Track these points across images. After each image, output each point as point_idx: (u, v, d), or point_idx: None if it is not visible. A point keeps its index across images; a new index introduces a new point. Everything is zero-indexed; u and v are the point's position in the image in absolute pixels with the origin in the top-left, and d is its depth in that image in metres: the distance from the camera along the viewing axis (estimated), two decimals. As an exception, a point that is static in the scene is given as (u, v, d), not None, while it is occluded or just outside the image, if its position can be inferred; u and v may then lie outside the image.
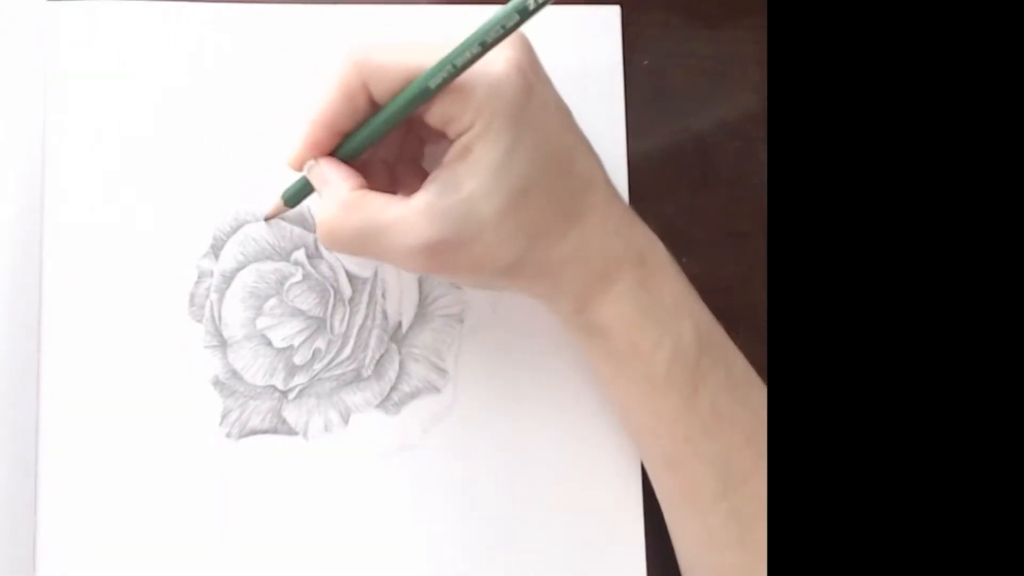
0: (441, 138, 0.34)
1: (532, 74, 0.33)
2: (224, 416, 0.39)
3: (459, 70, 0.31)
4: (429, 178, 0.33)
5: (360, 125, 0.34)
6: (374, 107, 0.33)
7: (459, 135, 0.33)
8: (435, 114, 0.33)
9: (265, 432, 0.39)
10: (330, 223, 0.33)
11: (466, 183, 0.32)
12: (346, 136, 0.34)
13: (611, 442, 0.40)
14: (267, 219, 0.40)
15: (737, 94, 0.43)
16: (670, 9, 0.43)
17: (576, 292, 0.34)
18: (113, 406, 0.38)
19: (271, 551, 0.38)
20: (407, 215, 0.32)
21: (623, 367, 0.35)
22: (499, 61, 0.32)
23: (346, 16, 0.41)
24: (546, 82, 0.34)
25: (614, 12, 0.42)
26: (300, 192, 0.37)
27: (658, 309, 0.34)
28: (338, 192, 0.34)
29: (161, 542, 0.38)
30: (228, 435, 0.39)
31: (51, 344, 0.39)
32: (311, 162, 0.35)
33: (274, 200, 0.38)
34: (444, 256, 0.33)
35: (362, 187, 0.34)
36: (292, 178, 0.37)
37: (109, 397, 0.38)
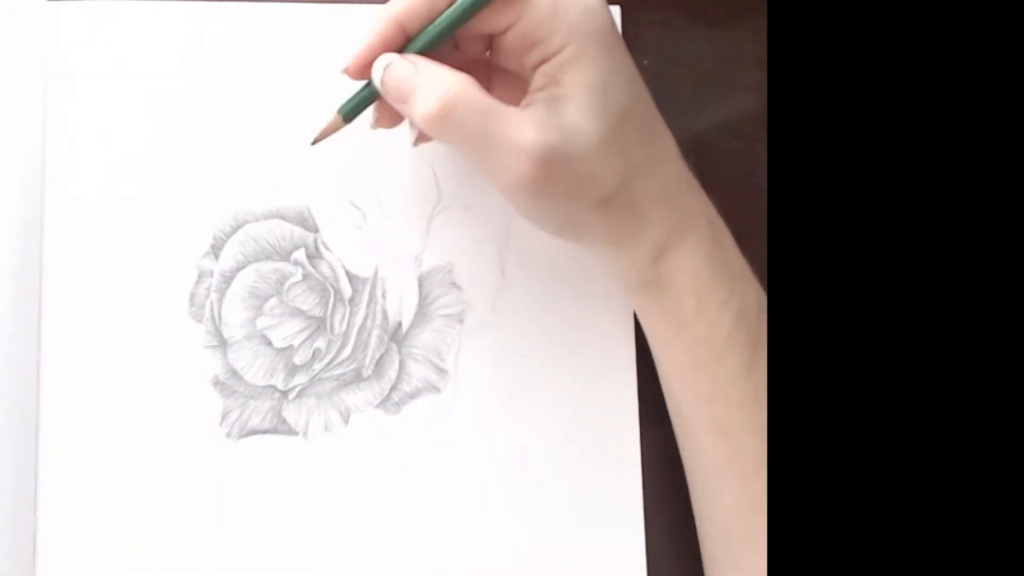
0: (514, 70, 0.34)
1: (611, 17, 0.33)
2: (224, 416, 0.39)
3: None
4: (531, 101, 0.33)
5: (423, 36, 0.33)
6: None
7: (545, 59, 0.32)
8: (518, 34, 0.32)
9: (265, 432, 0.39)
10: (454, 95, 0.31)
11: (572, 107, 0.32)
12: (411, 39, 0.33)
13: (611, 442, 0.40)
14: (315, 141, 0.36)
15: (737, 94, 0.43)
16: (670, 9, 0.43)
17: (658, 237, 0.34)
18: (113, 406, 0.38)
19: (271, 551, 0.38)
20: (530, 116, 0.32)
21: (686, 328, 0.35)
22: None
23: (346, 16, 0.41)
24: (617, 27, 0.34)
25: (614, 12, 0.42)
26: (362, 102, 0.35)
27: (727, 269, 0.34)
28: (456, 74, 0.32)
29: (161, 542, 0.38)
30: (228, 435, 0.39)
31: (51, 344, 0.39)
32: (389, 57, 0.33)
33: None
34: (555, 166, 0.32)
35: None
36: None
37: (109, 397, 0.38)
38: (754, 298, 0.35)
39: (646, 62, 0.42)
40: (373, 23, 0.33)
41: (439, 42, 0.33)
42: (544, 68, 0.33)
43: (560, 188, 0.32)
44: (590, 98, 0.32)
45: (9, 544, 0.37)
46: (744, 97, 0.43)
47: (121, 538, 0.38)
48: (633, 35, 0.42)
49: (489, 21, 0.33)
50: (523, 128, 0.31)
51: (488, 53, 0.35)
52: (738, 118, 0.43)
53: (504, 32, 0.33)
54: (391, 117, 0.35)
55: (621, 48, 0.33)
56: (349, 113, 0.35)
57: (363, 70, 0.33)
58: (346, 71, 0.34)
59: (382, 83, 0.33)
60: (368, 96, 0.35)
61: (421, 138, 0.37)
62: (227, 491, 0.38)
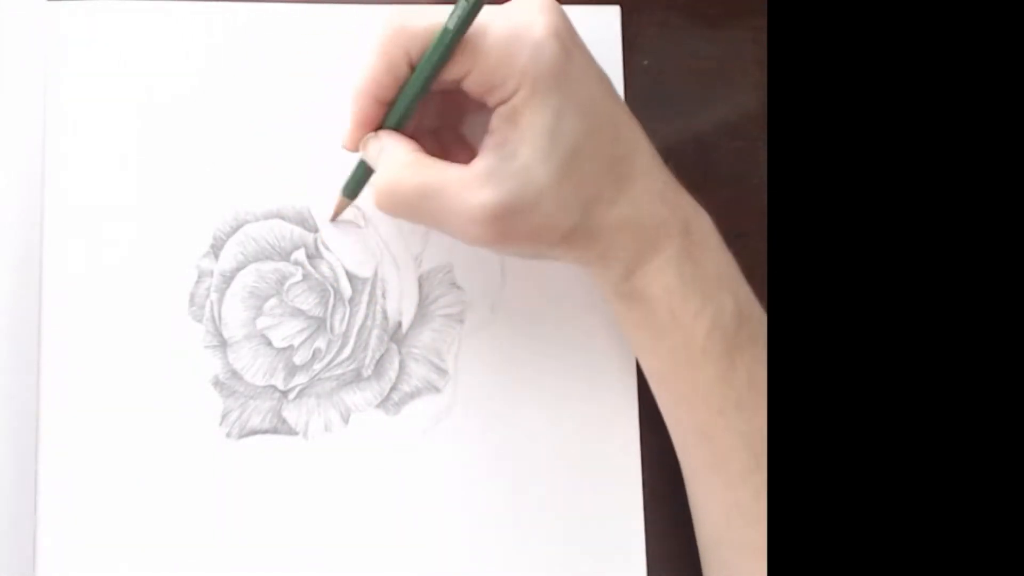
0: (481, 109, 0.34)
1: (570, 40, 0.33)
2: (224, 416, 0.39)
3: (476, 6, 0.31)
4: (482, 147, 0.33)
5: (401, 96, 0.34)
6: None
7: (502, 102, 0.33)
8: (475, 81, 0.33)
9: (265, 432, 0.39)
10: (391, 182, 0.33)
11: (520, 150, 0.32)
12: (391, 106, 0.34)
13: (611, 442, 0.40)
14: (333, 219, 0.40)
15: (737, 94, 0.43)
16: (670, 9, 0.43)
17: (626, 259, 0.34)
18: (113, 406, 0.38)
19: (271, 551, 0.38)
20: (469, 179, 0.32)
21: (662, 336, 0.35)
22: (538, 27, 0.32)
23: (346, 16, 0.41)
24: (583, 48, 0.34)
25: (614, 12, 0.42)
26: (359, 180, 0.37)
27: (701, 279, 0.34)
28: (397, 153, 0.34)
29: (161, 542, 0.38)
30: (228, 435, 0.39)
31: (51, 344, 0.39)
32: (368, 136, 0.35)
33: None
34: (506, 222, 0.32)
35: (420, 151, 0.34)
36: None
37: (109, 397, 0.38)
38: (730, 306, 0.34)
39: (646, 62, 0.42)
40: (351, 100, 0.34)
41: (414, 107, 0.34)
42: (501, 110, 0.33)
43: (516, 238, 0.33)
44: (539, 142, 0.32)
45: (9, 544, 0.37)
46: (744, 97, 0.43)
47: (121, 538, 0.38)
48: (633, 35, 0.42)
49: (446, 75, 0.33)
50: (466, 192, 0.32)
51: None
52: (738, 118, 0.43)
53: (463, 79, 0.33)
54: None
55: (580, 76, 0.33)
56: (351, 190, 0.38)
57: (354, 146, 0.35)
58: (344, 146, 0.36)
59: (366, 158, 0.36)
60: (364, 172, 0.37)
61: (336, 214, 0.40)
62: (227, 491, 0.38)
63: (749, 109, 0.43)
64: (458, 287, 0.40)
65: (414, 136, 0.35)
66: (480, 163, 0.33)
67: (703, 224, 0.35)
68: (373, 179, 0.35)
